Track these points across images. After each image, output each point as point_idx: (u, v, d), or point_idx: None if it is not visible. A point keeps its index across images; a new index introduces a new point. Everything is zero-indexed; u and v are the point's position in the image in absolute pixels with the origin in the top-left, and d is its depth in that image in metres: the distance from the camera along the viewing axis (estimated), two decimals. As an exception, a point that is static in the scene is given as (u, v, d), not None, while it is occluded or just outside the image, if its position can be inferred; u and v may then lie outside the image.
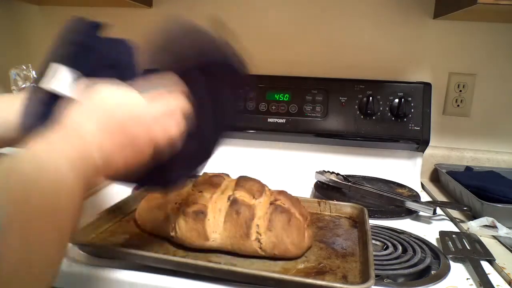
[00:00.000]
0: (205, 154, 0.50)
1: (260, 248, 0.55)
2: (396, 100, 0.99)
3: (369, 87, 1.01)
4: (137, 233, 0.62)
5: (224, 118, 0.50)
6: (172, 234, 0.58)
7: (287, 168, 1.06)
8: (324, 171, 0.95)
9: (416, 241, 0.67)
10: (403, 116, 0.99)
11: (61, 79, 0.41)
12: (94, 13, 1.20)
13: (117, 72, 0.42)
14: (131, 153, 0.38)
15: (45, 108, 0.41)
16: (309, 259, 0.56)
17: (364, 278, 0.48)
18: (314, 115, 1.02)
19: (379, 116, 1.00)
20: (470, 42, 1.08)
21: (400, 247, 0.64)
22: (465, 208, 0.83)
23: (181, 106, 0.43)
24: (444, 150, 1.11)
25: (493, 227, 0.73)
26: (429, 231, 0.73)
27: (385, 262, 0.59)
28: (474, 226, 0.74)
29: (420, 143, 0.99)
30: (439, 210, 0.83)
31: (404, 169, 1.04)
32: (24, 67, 0.98)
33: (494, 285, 0.54)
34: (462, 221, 0.80)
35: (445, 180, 1.02)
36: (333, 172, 0.93)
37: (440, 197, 0.97)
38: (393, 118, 1.00)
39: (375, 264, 0.52)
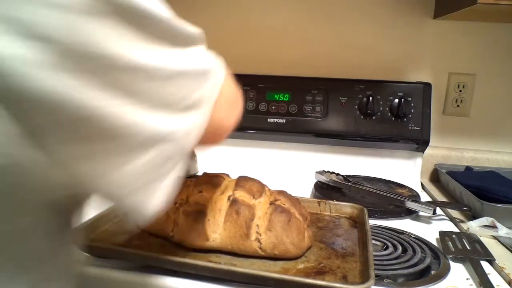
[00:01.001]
0: None
1: (260, 248, 0.55)
2: (396, 100, 0.99)
3: (369, 87, 1.01)
4: (137, 233, 0.62)
5: None
6: (172, 234, 0.58)
7: (287, 168, 1.06)
8: (324, 171, 0.95)
9: (416, 241, 0.67)
10: (403, 116, 0.99)
11: None
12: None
13: None
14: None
15: None
16: (309, 259, 0.56)
17: (364, 278, 0.48)
18: (314, 115, 1.02)
19: (379, 116, 1.00)
20: (470, 42, 1.08)
21: (400, 247, 0.64)
22: (465, 208, 0.83)
23: None
24: (444, 150, 1.11)
25: (493, 227, 0.73)
26: (429, 231, 0.73)
27: (385, 262, 0.59)
28: (474, 226, 0.74)
29: (420, 143, 0.99)
30: (439, 210, 0.83)
31: (404, 169, 1.04)
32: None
33: (494, 285, 0.54)
34: (462, 221, 0.80)
35: (445, 180, 1.02)
36: (333, 172, 0.93)
37: (440, 197, 0.97)
38: (393, 118, 1.00)
39: (375, 264, 0.52)
